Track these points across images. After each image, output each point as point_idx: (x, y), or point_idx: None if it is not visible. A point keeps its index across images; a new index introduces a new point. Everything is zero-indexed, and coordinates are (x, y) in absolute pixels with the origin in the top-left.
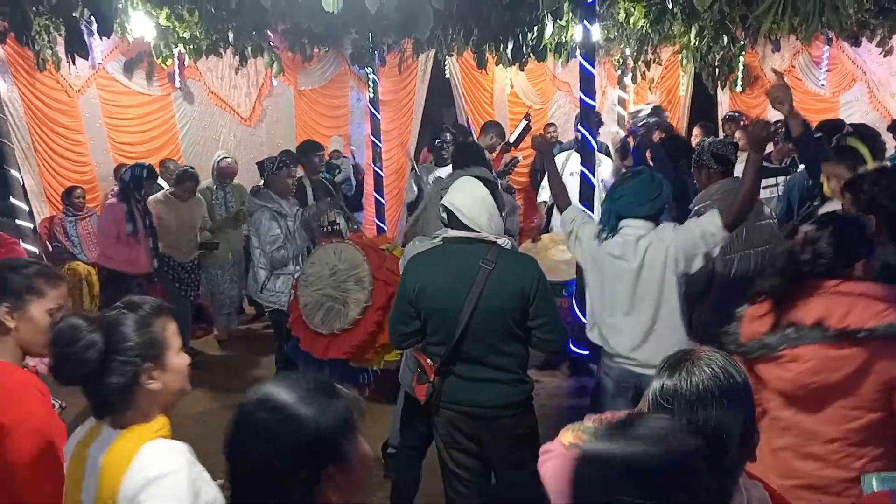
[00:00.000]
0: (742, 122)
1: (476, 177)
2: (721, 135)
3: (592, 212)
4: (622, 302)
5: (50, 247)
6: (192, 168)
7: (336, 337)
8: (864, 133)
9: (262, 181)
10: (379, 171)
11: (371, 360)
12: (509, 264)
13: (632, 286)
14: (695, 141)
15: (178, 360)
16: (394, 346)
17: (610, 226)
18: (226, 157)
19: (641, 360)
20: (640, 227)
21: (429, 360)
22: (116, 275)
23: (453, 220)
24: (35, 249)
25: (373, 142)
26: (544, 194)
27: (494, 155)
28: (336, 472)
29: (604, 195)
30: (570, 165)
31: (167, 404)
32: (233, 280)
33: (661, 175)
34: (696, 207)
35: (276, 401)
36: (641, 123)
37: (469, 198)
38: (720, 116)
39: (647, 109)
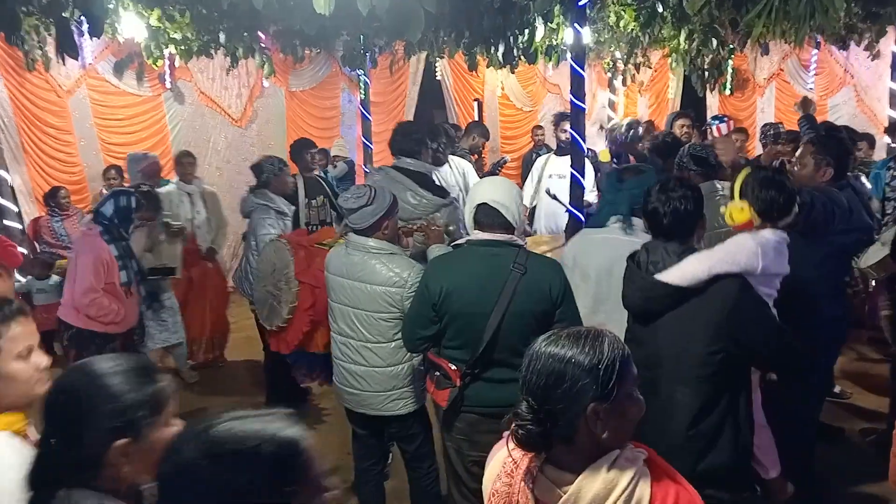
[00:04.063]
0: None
1: (405, 169)
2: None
3: (583, 213)
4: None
5: (38, 248)
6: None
7: (276, 333)
8: (846, 136)
9: (257, 182)
10: None
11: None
12: (538, 268)
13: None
14: (679, 132)
15: (17, 366)
16: (408, 350)
17: (630, 221)
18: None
19: None
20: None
21: (452, 365)
22: (88, 335)
23: (489, 219)
24: (24, 251)
25: (364, 143)
26: (527, 198)
27: (475, 157)
28: (129, 446)
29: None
30: (549, 167)
31: (15, 406)
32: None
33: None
34: None
35: (91, 368)
36: (630, 132)
37: (508, 194)
38: (708, 119)
39: (625, 122)
